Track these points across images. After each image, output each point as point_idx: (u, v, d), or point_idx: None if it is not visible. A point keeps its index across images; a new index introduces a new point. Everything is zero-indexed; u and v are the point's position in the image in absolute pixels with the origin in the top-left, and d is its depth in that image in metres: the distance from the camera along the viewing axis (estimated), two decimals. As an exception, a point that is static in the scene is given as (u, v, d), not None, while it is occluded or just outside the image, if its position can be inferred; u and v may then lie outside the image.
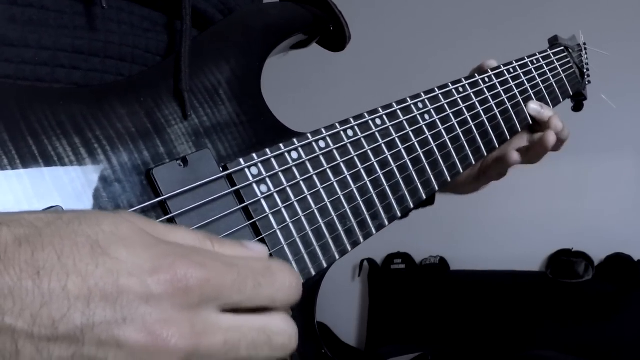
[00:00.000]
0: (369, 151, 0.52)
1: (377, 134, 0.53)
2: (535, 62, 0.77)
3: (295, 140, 0.47)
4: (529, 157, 0.73)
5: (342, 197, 0.49)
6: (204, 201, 0.41)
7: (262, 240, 0.43)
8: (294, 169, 0.47)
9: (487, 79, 0.67)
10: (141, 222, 0.30)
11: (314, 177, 0.48)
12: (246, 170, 0.44)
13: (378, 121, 0.54)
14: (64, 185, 0.36)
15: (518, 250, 2.23)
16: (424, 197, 0.56)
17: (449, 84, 0.63)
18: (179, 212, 0.39)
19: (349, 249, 0.49)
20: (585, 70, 0.92)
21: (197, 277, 0.28)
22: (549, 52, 0.83)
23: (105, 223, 0.28)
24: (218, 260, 0.30)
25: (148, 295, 0.27)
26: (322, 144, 0.49)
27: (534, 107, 0.72)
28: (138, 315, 0.27)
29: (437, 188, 0.57)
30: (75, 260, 0.26)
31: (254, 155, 0.44)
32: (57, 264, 0.26)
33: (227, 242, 0.33)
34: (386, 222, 0.52)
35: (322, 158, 0.49)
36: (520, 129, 0.70)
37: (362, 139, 0.52)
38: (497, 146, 0.66)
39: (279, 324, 0.32)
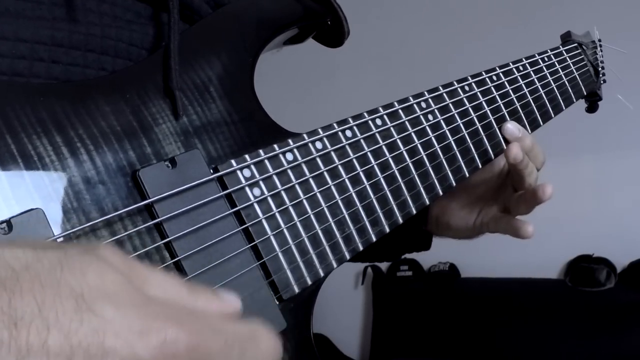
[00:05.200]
0: (368, 153, 0.52)
1: (377, 135, 0.53)
2: (546, 59, 0.78)
3: (290, 140, 0.48)
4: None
5: (339, 201, 0.49)
6: (193, 205, 0.41)
7: (255, 247, 0.43)
8: (289, 172, 0.47)
9: (494, 77, 0.68)
10: (122, 264, 0.30)
11: (310, 180, 0.48)
12: (238, 172, 0.44)
13: (378, 121, 0.54)
14: (45, 187, 0.36)
15: (534, 256, 2.20)
16: (427, 202, 0.56)
17: (454, 82, 0.63)
18: (167, 216, 0.40)
19: (348, 256, 0.50)
20: (600, 69, 0.92)
21: (187, 343, 0.28)
22: (562, 49, 0.83)
23: (90, 273, 0.28)
24: (208, 325, 0.30)
25: (135, 359, 0.27)
26: (318, 145, 0.49)
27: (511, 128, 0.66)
28: None
29: (440, 193, 0.58)
30: (58, 314, 0.26)
31: (247, 156, 0.45)
32: (38, 316, 0.25)
33: (201, 292, 0.33)
34: (387, 229, 0.53)
35: (318, 160, 0.49)
36: (530, 131, 0.70)
37: (362, 140, 0.52)
38: (505, 148, 0.65)
39: None
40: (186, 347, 0.28)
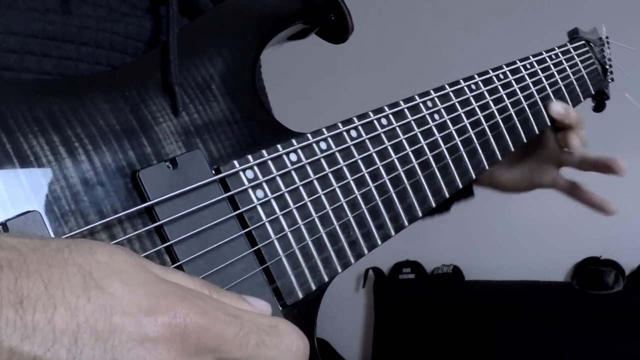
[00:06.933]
0: (373, 154, 0.52)
1: (382, 135, 0.53)
2: (553, 57, 0.77)
3: (294, 141, 0.47)
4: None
5: (344, 204, 0.49)
6: (195, 207, 0.41)
7: (259, 251, 0.43)
8: (293, 173, 0.46)
9: (501, 76, 0.68)
10: (137, 258, 0.30)
11: (315, 182, 0.48)
12: (241, 173, 0.44)
13: (384, 121, 0.54)
14: (41, 188, 0.35)
15: (540, 258, 2.20)
16: (434, 205, 0.56)
17: (461, 80, 0.63)
18: (168, 219, 0.39)
19: (352, 261, 0.49)
20: (607, 67, 0.92)
21: (197, 322, 0.28)
22: (569, 46, 0.83)
23: (99, 253, 0.28)
24: (221, 308, 0.30)
25: (143, 337, 0.27)
26: (323, 145, 0.49)
27: (557, 108, 0.72)
28: (130, 358, 0.26)
29: (447, 195, 0.58)
30: (65, 291, 0.26)
31: (249, 157, 0.44)
32: (44, 294, 0.25)
33: (227, 294, 0.33)
34: (392, 233, 0.52)
35: (323, 161, 0.49)
36: (537, 132, 0.70)
37: (367, 141, 0.52)
38: (513, 149, 0.66)
39: None
40: (197, 327, 0.28)
